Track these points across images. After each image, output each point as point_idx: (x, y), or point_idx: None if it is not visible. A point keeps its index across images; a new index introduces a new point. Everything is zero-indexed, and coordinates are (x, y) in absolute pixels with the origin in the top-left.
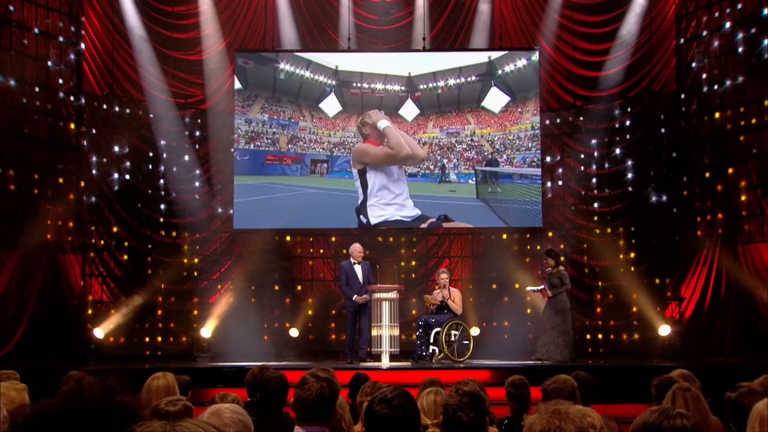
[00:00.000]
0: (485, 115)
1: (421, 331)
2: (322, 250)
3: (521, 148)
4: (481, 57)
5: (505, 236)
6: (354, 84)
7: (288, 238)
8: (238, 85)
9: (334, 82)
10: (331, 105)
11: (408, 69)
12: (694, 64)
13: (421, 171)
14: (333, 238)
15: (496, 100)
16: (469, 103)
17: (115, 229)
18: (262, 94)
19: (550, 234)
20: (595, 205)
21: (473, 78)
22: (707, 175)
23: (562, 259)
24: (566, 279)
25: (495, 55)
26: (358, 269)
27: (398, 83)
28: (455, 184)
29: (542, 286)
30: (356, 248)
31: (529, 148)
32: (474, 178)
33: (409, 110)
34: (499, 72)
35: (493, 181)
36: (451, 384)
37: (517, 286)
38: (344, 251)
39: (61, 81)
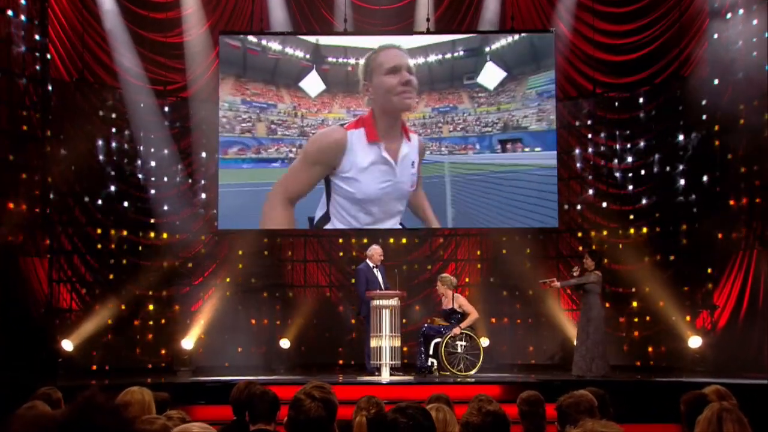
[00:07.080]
0: (480, 92)
1: (422, 341)
2: (316, 253)
3: (519, 127)
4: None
5: (517, 237)
6: (331, 59)
7: (278, 239)
8: None
9: (312, 57)
10: (313, 83)
11: (398, 41)
12: (728, 46)
13: None
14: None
15: (491, 75)
16: (462, 79)
17: (85, 230)
18: (229, 71)
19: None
20: (617, 203)
21: (461, 53)
22: (743, 169)
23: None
24: (592, 278)
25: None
26: (377, 273)
27: None
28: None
29: (549, 279)
30: (377, 251)
31: (525, 127)
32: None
33: None
34: (489, 48)
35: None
36: (457, 400)
37: (531, 292)
38: (341, 254)
39: (23, 65)
